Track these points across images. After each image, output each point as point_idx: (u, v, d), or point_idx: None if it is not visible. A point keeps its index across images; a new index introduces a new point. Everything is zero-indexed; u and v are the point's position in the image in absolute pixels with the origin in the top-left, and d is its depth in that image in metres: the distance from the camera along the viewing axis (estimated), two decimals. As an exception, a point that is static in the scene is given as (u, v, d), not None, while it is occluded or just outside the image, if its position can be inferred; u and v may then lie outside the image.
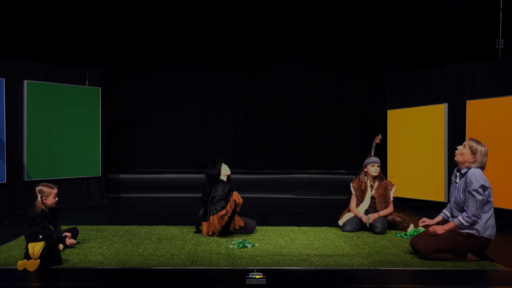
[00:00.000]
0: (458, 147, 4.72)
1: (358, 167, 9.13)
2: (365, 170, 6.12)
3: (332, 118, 10.04)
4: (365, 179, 6.11)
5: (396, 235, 5.72)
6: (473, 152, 4.59)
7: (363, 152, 9.28)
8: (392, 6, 9.56)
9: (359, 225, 6.00)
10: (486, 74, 6.88)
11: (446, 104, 7.34)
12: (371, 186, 6.09)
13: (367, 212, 6.04)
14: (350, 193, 6.21)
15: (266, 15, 9.83)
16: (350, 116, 10.04)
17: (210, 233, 5.59)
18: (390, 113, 8.32)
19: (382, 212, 5.98)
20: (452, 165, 7.17)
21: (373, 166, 6.06)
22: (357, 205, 6.10)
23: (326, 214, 7.30)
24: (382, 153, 8.34)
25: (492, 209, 4.58)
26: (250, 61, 10.05)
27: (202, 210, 5.86)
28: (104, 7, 9.51)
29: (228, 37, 9.87)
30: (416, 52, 9.60)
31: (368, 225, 5.88)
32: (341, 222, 6.09)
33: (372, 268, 4.39)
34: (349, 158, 9.95)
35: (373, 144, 8.15)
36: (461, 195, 4.58)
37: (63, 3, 9.18)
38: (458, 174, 4.74)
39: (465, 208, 4.52)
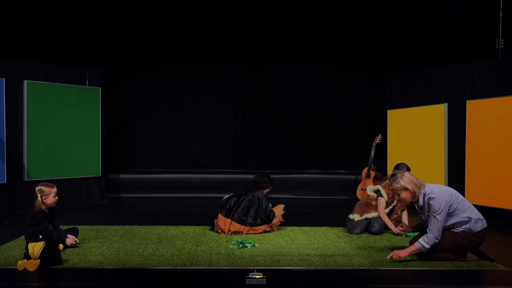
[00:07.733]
0: (397, 199, 4.77)
1: (358, 167, 9.17)
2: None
3: (332, 118, 10.04)
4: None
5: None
6: (405, 189, 4.55)
7: (363, 152, 9.30)
8: (392, 6, 9.55)
9: (365, 229, 5.90)
10: (486, 74, 6.87)
11: (446, 104, 7.34)
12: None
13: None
14: (376, 195, 5.90)
15: (266, 15, 9.83)
16: (350, 116, 10.04)
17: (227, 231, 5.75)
18: (390, 113, 8.32)
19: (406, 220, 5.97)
20: (452, 166, 7.21)
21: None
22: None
23: (326, 214, 7.29)
24: (382, 153, 8.35)
25: (467, 204, 4.56)
26: (250, 61, 10.04)
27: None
28: (104, 7, 9.51)
29: (228, 37, 9.87)
30: (416, 52, 9.59)
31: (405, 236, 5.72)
32: (356, 217, 5.85)
33: (372, 268, 4.38)
34: (349, 158, 9.95)
35: (373, 144, 8.15)
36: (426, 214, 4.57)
37: (63, 3, 9.18)
38: (416, 207, 4.72)
39: (427, 230, 4.50)
